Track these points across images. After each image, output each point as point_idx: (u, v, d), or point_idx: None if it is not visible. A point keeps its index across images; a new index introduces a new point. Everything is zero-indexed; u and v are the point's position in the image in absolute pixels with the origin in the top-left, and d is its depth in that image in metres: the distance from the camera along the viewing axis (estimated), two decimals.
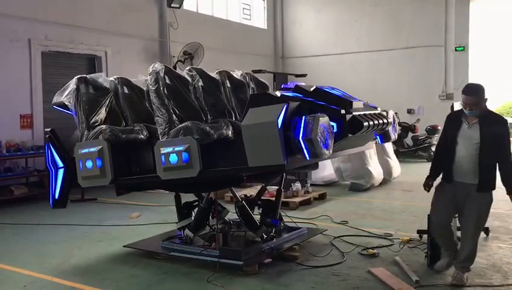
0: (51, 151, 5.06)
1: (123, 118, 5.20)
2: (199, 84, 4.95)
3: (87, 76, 5.08)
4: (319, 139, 3.78)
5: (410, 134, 14.46)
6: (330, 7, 16.38)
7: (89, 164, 4.77)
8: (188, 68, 5.10)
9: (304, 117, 3.85)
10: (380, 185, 9.64)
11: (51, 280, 4.62)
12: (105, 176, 4.76)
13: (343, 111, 4.16)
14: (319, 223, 6.57)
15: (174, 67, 12.21)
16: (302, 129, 3.80)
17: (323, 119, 3.89)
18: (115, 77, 5.34)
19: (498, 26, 20.08)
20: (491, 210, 7.21)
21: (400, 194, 9.03)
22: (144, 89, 5.49)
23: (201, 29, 13.61)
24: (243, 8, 16.06)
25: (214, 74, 5.34)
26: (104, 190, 9.20)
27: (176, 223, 5.37)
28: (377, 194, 8.91)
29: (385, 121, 4.75)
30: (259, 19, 16.78)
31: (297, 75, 15.75)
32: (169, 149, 4.34)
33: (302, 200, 7.78)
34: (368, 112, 4.48)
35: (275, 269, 4.72)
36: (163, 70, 4.61)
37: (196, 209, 5.35)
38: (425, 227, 5.97)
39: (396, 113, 14.00)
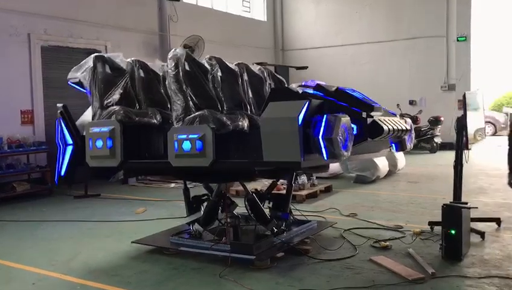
0: (61, 127, 4.99)
1: (137, 101, 5.15)
2: (218, 74, 4.87)
3: (105, 55, 5.00)
4: (339, 140, 3.71)
5: (413, 125, 14.39)
6: None
7: (99, 143, 4.72)
8: (207, 56, 5.01)
9: (325, 115, 3.78)
10: (385, 177, 9.58)
11: (60, 277, 4.54)
12: (114, 157, 4.70)
13: (364, 114, 4.06)
14: (328, 216, 6.50)
15: None
16: (322, 128, 3.73)
17: (345, 120, 3.81)
18: (132, 58, 5.28)
19: (500, 16, 20.02)
20: (501, 201, 7.26)
21: (405, 185, 8.97)
22: (160, 74, 5.43)
23: (201, 22, 13.49)
24: (243, 0, 15.92)
25: (232, 65, 5.26)
26: (107, 186, 9.22)
27: (185, 217, 5.29)
28: (383, 186, 8.85)
29: (404, 128, 4.66)
30: (259, 11, 16.65)
31: (298, 68, 15.69)
32: (184, 136, 4.29)
33: (309, 193, 7.72)
34: (387, 118, 4.39)
35: (287, 263, 4.65)
36: (184, 56, 4.54)
37: (205, 203, 5.30)
38: (435, 218, 5.95)
39: (398, 104, 14.05)
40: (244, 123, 4.59)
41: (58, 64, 10.01)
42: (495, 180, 8.88)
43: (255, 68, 5.86)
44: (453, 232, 4.59)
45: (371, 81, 14.71)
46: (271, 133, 3.92)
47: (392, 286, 4.01)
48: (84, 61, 5.05)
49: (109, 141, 4.69)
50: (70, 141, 5.03)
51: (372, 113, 4.29)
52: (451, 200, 6.16)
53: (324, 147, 3.75)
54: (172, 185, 9.48)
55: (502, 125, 21.62)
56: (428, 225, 5.65)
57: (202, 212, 5.21)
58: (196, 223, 5.12)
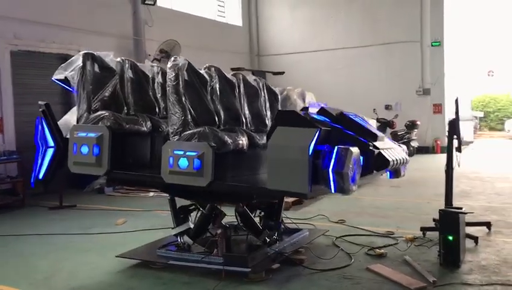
0: (42, 126, 4.70)
1: (125, 104, 4.90)
2: (216, 85, 4.68)
3: (95, 53, 4.73)
4: (349, 174, 3.56)
5: (389, 130, 14.48)
6: (305, 4, 16.27)
7: (85, 149, 4.45)
8: (206, 66, 4.82)
9: (336, 148, 3.64)
10: (369, 182, 9.52)
11: None
12: (100, 166, 4.44)
13: (371, 146, 3.92)
14: (316, 223, 6.36)
15: None
16: (333, 160, 3.59)
17: (355, 153, 3.68)
18: (122, 58, 5.02)
19: (472, 21, 20.46)
20: (486, 204, 7.28)
21: (388, 190, 8.93)
22: (149, 76, 5.21)
23: (177, 27, 13.25)
24: (218, 5, 15.75)
25: (229, 76, 5.08)
26: (82, 196, 8.85)
27: (171, 228, 5.04)
28: (366, 191, 8.78)
29: (404, 158, 4.57)
30: (234, 16, 16.51)
31: (275, 73, 15.61)
32: (180, 152, 4.07)
33: (295, 200, 7.55)
34: (388, 147, 4.28)
35: (282, 274, 4.47)
36: (185, 66, 4.31)
37: (193, 213, 5.08)
38: (424, 224, 5.89)
39: (374, 109, 14.09)
40: (244, 142, 4.42)
41: (30, 70, 9.61)
42: (476, 184, 8.93)
43: (251, 79, 5.72)
44: (450, 238, 4.51)
45: (347, 87, 14.75)
46: (278, 161, 3.75)
47: None
48: (72, 58, 4.78)
49: (96, 148, 4.43)
50: (51, 143, 4.74)
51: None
52: (441, 206, 6.13)
53: (333, 181, 3.61)
54: (151, 194, 9.17)
55: (474, 129, 22.10)
56: (421, 230, 5.57)
57: (190, 223, 4.99)
58: (185, 235, 4.88)
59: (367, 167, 3.95)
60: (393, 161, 4.15)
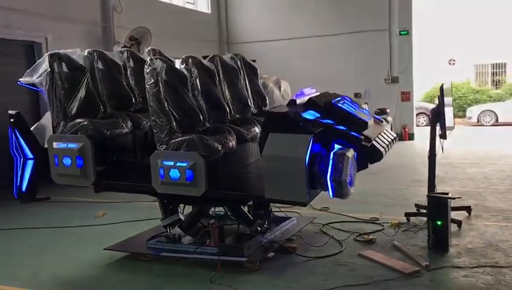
0: (16, 137, 4.49)
1: (101, 102, 4.73)
2: (197, 80, 4.57)
3: (61, 52, 4.52)
4: (347, 180, 3.57)
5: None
6: None
7: (67, 161, 4.31)
8: (183, 57, 4.70)
9: (332, 154, 3.64)
10: None
11: None
12: (86, 177, 4.31)
13: (363, 140, 3.90)
14: (301, 210, 6.37)
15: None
16: (330, 167, 3.59)
17: (351, 156, 3.67)
18: (89, 50, 4.83)
19: (444, 10, 20.91)
20: (461, 189, 7.50)
21: (366, 177, 8.86)
22: (121, 64, 5.06)
23: (146, 14, 12.92)
24: None
25: (206, 62, 4.98)
26: (55, 188, 8.51)
27: (161, 220, 4.95)
28: None
29: (393, 138, 4.60)
30: (202, 3, 16.25)
31: None
32: (170, 163, 4.01)
33: None
34: (378, 133, 4.28)
35: (277, 262, 4.48)
36: (164, 70, 4.16)
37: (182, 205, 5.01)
38: (406, 209, 6.03)
39: None
40: (233, 142, 4.37)
41: None
42: (447, 169, 9.17)
43: (227, 58, 5.63)
44: (439, 223, 4.62)
45: (318, 75, 14.80)
46: (274, 171, 3.73)
47: (391, 281, 3.95)
48: (38, 62, 4.53)
49: (79, 160, 4.30)
50: (30, 154, 4.56)
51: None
52: (419, 192, 6.27)
53: (331, 187, 3.62)
54: None
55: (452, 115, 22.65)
56: (405, 216, 5.69)
57: (180, 215, 4.91)
58: (176, 227, 4.80)
59: (361, 162, 3.98)
60: (385, 149, 4.18)
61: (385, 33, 14.83)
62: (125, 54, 5.23)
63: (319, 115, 4.13)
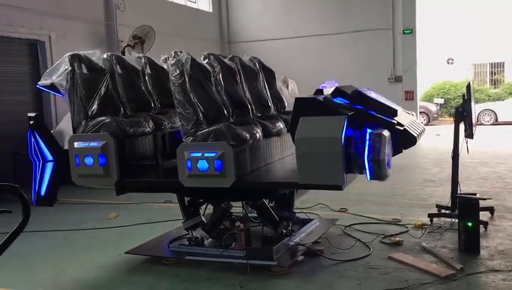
0: (36, 140, 4.35)
1: (121, 104, 4.61)
2: (219, 76, 4.45)
3: (81, 53, 4.40)
4: (386, 160, 3.44)
5: None
6: None
7: (89, 160, 4.16)
8: (205, 54, 4.59)
9: (368, 134, 3.51)
10: None
11: None
12: (109, 176, 4.17)
13: (396, 124, 3.78)
14: (318, 212, 6.27)
15: (123, 52, 11.36)
16: (367, 148, 3.46)
17: (388, 136, 3.55)
18: (108, 54, 4.74)
19: (443, 10, 20.89)
20: (478, 189, 7.41)
21: None
22: (139, 68, 4.97)
23: (149, 12, 12.77)
24: None
25: (228, 61, 4.87)
26: (63, 188, 8.35)
27: (183, 222, 4.81)
28: (357, 179, 8.74)
29: (423, 128, 4.50)
30: (204, 2, 16.10)
31: None
32: (198, 154, 3.86)
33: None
34: (408, 120, 4.17)
35: (305, 266, 4.35)
36: (189, 62, 4.05)
37: (202, 206, 4.88)
38: (425, 210, 5.94)
39: None
40: (260, 133, 4.25)
41: None
42: (460, 169, 9.08)
43: (246, 59, 5.54)
44: (469, 224, 4.52)
45: (320, 74, 14.64)
46: (309, 155, 3.59)
47: (427, 284, 3.83)
48: (57, 62, 4.41)
49: (102, 158, 4.15)
50: (50, 157, 4.41)
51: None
52: (436, 192, 6.13)
53: (369, 168, 3.49)
54: None
55: (434, 115, 22.66)
56: (428, 216, 5.58)
57: (202, 217, 4.78)
58: (200, 229, 4.66)
59: (395, 147, 3.87)
60: (417, 135, 4.08)
61: (389, 32, 14.77)
62: (143, 60, 5.17)
63: (348, 102, 4.04)
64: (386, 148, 3.56)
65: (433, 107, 22.91)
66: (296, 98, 4.18)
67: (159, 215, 6.57)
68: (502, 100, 22.37)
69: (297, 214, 5.35)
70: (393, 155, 3.86)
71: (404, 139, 3.88)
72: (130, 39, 11.64)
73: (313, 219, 5.35)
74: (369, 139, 3.55)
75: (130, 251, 4.72)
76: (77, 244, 5.41)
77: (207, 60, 4.71)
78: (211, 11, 16.37)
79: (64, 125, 4.60)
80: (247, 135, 4.07)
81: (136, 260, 4.71)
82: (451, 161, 5.69)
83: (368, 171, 3.57)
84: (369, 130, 3.63)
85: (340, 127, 3.54)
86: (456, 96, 24.15)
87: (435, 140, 15.09)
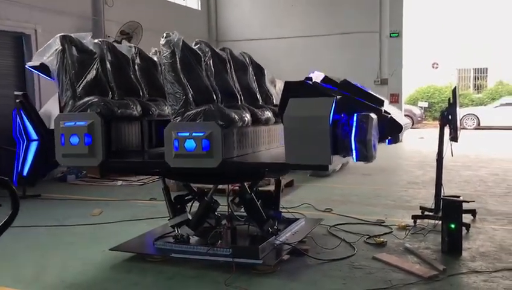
0: (22, 119, 4.31)
1: (109, 89, 4.59)
2: (210, 61, 4.45)
3: (72, 35, 4.38)
4: (372, 141, 3.48)
5: None
6: None
7: (75, 139, 4.13)
8: (196, 41, 4.58)
9: (356, 115, 3.55)
10: (340, 170, 9.60)
11: None
12: (94, 156, 4.14)
13: (383, 111, 3.85)
14: (304, 211, 6.28)
15: None
16: (354, 129, 3.50)
17: (375, 119, 3.60)
18: (100, 39, 4.73)
19: (429, 14, 21.09)
20: (460, 192, 7.52)
21: (361, 178, 9.04)
22: (129, 57, 4.94)
23: (136, 8, 12.69)
24: None
25: (218, 50, 4.86)
26: (45, 185, 8.29)
27: (169, 219, 4.79)
28: (341, 179, 8.85)
29: (408, 122, 4.57)
30: (193, 0, 16.06)
31: None
32: (186, 134, 3.86)
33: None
34: (393, 111, 4.24)
35: (290, 265, 4.37)
36: (180, 42, 4.06)
37: (189, 203, 4.87)
38: (408, 212, 6.02)
39: None
40: (248, 118, 4.26)
41: None
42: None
43: (237, 53, 5.54)
44: (453, 226, 4.59)
45: (307, 75, 14.76)
46: (297, 134, 3.60)
47: (411, 285, 3.88)
48: (49, 42, 4.40)
49: (87, 138, 4.12)
50: (34, 136, 4.38)
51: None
52: (418, 194, 6.18)
53: (355, 149, 3.52)
54: (120, 182, 8.74)
55: (419, 119, 22.94)
56: (412, 218, 5.65)
57: (188, 214, 4.77)
58: (185, 226, 4.65)
59: (381, 133, 3.92)
60: (403, 125, 4.15)
61: (375, 35, 14.90)
62: (134, 49, 5.14)
63: (336, 89, 4.09)
64: (373, 129, 3.60)
65: (417, 111, 23.21)
66: (286, 82, 4.21)
67: (143, 212, 6.54)
68: (485, 105, 22.74)
69: (282, 214, 5.38)
70: (379, 141, 3.91)
71: (390, 126, 3.95)
72: (118, 35, 11.55)
73: (298, 219, 5.37)
74: (357, 121, 3.59)
75: (114, 248, 4.68)
76: (60, 241, 5.35)
77: (198, 45, 4.69)
78: (200, 9, 16.34)
79: (51, 106, 4.58)
80: (236, 116, 4.09)
81: (120, 257, 4.67)
82: (435, 163, 5.76)
83: (354, 152, 3.59)
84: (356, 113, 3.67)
85: (328, 107, 3.57)
86: (440, 100, 24.51)
87: (419, 143, 15.29)
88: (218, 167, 3.84)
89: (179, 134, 3.89)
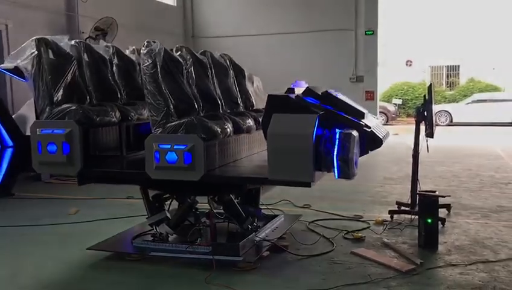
0: None
1: (87, 93, 4.51)
2: (191, 68, 4.41)
3: (48, 38, 4.27)
4: (354, 159, 3.52)
5: None
6: None
7: (52, 148, 4.06)
8: (177, 47, 4.55)
9: (338, 133, 3.61)
10: None
11: None
12: (72, 165, 4.07)
13: (364, 125, 3.89)
14: (282, 208, 6.32)
15: None
16: (337, 147, 3.55)
17: (357, 136, 3.65)
18: (76, 40, 4.63)
19: (402, 12, 21.37)
20: (435, 187, 7.66)
21: None
22: (107, 57, 4.87)
23: (110, 4, 12.49)
24: None
25: (199, 55, 4.84)
26: (18, 183, 8.07)
27: (147, 218, 4.75)
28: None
29: (388, 132, 4.62)
30: None
31: None
32: (167, 146, 3.82)
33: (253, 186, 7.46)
34: (374, 123, 4.29)
35: (271, 261, 4.39)
36: (162, 52, 4.00)
37: (167, 202, 4.84)
38: (385, 207, 6.10)
39: None
40: (230, 128, 4.25)
41: None
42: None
43: (217, 55, 5.52)
44: (429, 221, 4.67)
45: (284, 72, 14.74)
46: (280, 150, 3.64)
47: (390, 279, 3.94)
48: (23, 45, 4.28)
49: (66, 146, 4.04)
50: (9, 142, 4.27)
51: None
52: (395, 189, 6.24)
53: (337, 167, 3.57)
54: None
55: (393, 115, 23.25)
56: (389, 213, 5.73)
57: (166, 212, 4.74)
58: (163, 225, 4.61)
59: (362, 148, 3.97)
60: (383, 138, 4.20)
61: (351, 33, 15.04)
62: (111, 49, 5.06)
63: (318, 102, 4.11)
64: (355, 148, 3.65)
65: (391, 108, 23.51)
66: (269, 95, 4.24)
67: (120, 210, 6.46)
68: (457, 102, 23.19)
69: (262, 210, 5.39)
70: (360, 156, 3.95)
71: (371, 141, 3.99)
72: (92, 30, 11.36)
73: (277, 215, 5.39)
74: (339, 139, 3.63)
75: (92, 247, 4.61)
76: (36, 241, 5.25)
77: (179, 52, 4.67)
78: (175, 4, 16.20)
79: (26, 111, 4.47)
80: (218, 129, 4.08)
81: (98, 256, 4.60)
82: (409, 159, 5.86)
83: (336, 169, 3.65)
84: (338, 130, 3.71)
85: (312, 125, 3.62)
86: (414, 97, 24.88)
87: (393, 139, 15.47)
88: (200, 180, 3.83)
89: (160, 146, 3.86)
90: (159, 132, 3.96)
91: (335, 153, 3.60)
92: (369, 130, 3.97)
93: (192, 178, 3.86)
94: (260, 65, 15.14)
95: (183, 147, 3.80)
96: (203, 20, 16.56)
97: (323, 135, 3.74)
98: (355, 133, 3.72)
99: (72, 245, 4.96)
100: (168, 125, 3.95)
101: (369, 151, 4.05)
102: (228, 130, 4.27)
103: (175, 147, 3.81)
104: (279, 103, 3.91)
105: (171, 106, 4.02)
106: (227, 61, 5.47)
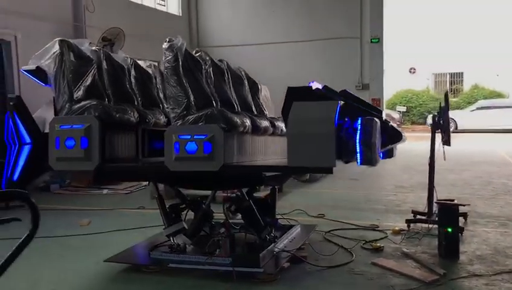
0: (15, 122, 4.17)
1: (106, 96, 4.50)
2: (210, 69, 4.40)
3: (71, 40, 4.28)
4: (377, 144, 3.49)
5: None
6: None
7: (70, 143, 4.01)
8: (196, 50, 4.55)
9: (360, 119, 3.57)
10: (325, 175, 9.62)
11: None
12: (90, 160, 4.02)
13: (384, 119, 3.90)
14: (296, 218, 6.27)
15: None
16: (359, 132, 3.50)
17: (379, 124, 3.61)
18: (97, 47, 4.66)
19: (406, 20, 21.39)
20: (449, 195, 7.60)
21: (349, 183, 9.07)
22: (125, 67, 4.86)
23: (118, 14, 12.57)
24: None
25: (217, 61, 4.83)
26: (31, 195, 8.06)
27: (164, 228, 4.70)
28: (329, 185, 8.87)
29: (404, 135, 4.60)
30: (173, 5, 15.96)
31: None
32: (187, 136, 3.80)
33: (266, 195, 7.41)
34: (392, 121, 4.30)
35: (290, 272, 4.32)
36: (183, 47, 4.01)
37: (184, 212, 4.80)
38: (401, 216, 6.05)
39: None
40: (249, 124, 4.24)
41: None
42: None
43: (234, 66, 5.53)
44: (450, 230, 4.62)
45: (291, 81, 14.70)
46: (301, 136, 3.58)
47: None
48: (46, 46, 4.29)
49: (84, 141, 4.01)
50: (27, 139, 4.24)
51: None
52: (408, 198, 6.20)
53: (360, 152, 3.52)
54: (105, 191, 8.59)
55: (397, 123, 23.24)
56: (406, 222, 5.68)
57: (183, 223, 4.70)
58: (182, 235, 4.57)
59: (383, 140, 3.94)
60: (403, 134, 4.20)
61: (356, 40, 15.04)
62: (129, 60, 5.08)
63: (338, 96, 4.12)
64: (377, 133, 3.62)
65: (396, 115, 23.53)
66: (289, 87, 4.23)
67: (132, 221, 6.41)
68: (461, 109, 23.17)
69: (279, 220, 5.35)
70: (382, 148, 3.93)
71: (392, 133, 3.98)
72: (99, 41, 11.37)
73: (293, 225, 5.35)
74: (361, 124, 3.61)
75: (109, 259, 4.55)
76: (51, 252, 5.19)
77: (198, 53, 4.68)
78: (180, 14, 16.25)
79: (44, 111, 4.45)
80: (238, 120, 4.09)
81: (115, 268, 4.55)
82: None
83: (358, 155, 3.60)
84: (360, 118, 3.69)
85: (333, 109, 3.59)
86: (418, 104, 24.89)
87: (400, 147, 15.44)
88: (219, 171, 3.79)
89: (180, 136, 3.84)
90: (179, 123, 3.95)
91: (357, 137, 3.56)
92: (390, 123, 3.98)
93: (212, 168, 3.80)
94: (266, 74, 15.12)
95: (203, 137, 3.77)
96: (208, 29, 16.60)
97: (344, 122, 3.72)
98: (377, 120, 3.70)
99: (88, 257, 4.91)
100: (188, 117, 3.95)
101: (390, 145, 4.03)
102: (247, 124, 4.27)
103: (195, 137, 3.79)
104: (300, 94, 3.93)
105: (192, 99, 4.03)
106: (243, 72, 5.48)
